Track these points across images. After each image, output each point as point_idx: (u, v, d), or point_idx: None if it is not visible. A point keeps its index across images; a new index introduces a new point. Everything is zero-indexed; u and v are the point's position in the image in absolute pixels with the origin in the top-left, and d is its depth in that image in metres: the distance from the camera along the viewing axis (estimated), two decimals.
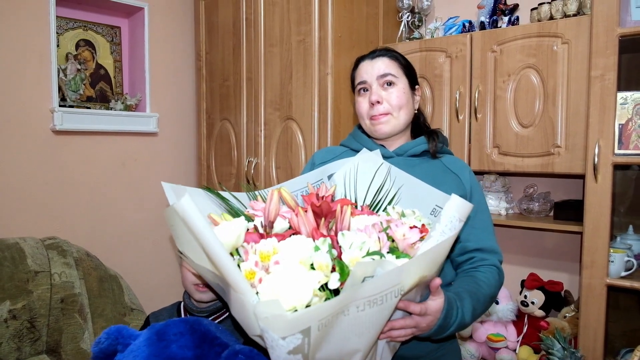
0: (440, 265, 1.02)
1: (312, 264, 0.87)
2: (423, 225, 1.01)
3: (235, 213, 1.16)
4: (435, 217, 1.13)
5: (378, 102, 1.33)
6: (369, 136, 1.42)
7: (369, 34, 2.27)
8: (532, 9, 2.02)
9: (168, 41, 2.67)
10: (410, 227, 0.97)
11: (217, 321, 1.27)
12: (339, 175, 1.26)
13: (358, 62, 1.42)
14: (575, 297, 2.05)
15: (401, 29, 2.33)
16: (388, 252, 0.94)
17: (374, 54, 1.39)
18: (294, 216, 1.00)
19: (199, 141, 2.66)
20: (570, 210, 1.93)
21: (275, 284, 0.82)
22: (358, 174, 1.26)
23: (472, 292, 1.13)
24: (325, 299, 0.85)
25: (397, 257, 0.93)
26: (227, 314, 1.30)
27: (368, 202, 1.20)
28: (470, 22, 2.17)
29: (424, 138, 1.38)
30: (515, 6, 2.13)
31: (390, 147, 1.38)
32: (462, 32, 2.18)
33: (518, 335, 2.10)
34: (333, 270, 0.87)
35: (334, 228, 1.03)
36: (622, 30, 1.63)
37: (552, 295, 2.05)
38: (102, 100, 2.57)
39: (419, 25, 2.35)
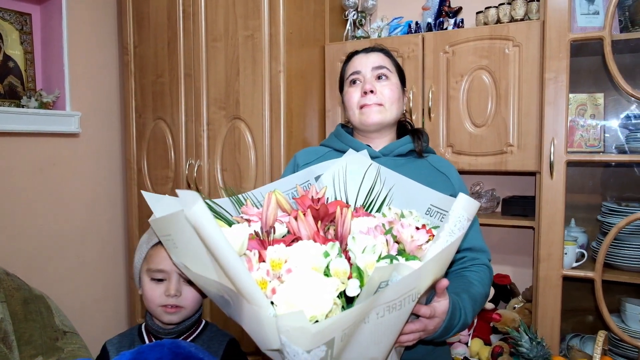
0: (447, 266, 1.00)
1: (325, 271, 0.80)
2: (423, 225, 0.98)
3: (222, 219, 1.06)
4: (432, 217, 1.11)
5: (372, 91, 1.29)
6: (353, 136, 1.38)
7: (317, 32, 2.21)
8: (477, 12, 2.08)
9: (89, 32, 2.41)
10: (417, 228, 0.93)
11: (188, 340, 1.16)
12: (327, 177, 1.19)
13: (351, 56, 1.38)
14: (522, 289, 2.15)
15: (347, 27, 2.31)
16: (397, 255, 0.90)
17: (368, 49, 1.36)
18: (293, 220, 0.92)
19: (128, 142, 2.43)
20: (518, 206, 2.02)
21: (291, 293, 0.75)
22: (347, 175, 1.20)
23: (470, 292, 1.13)
24: (342, 308, 0.79)
25: (406, 260, 0.89)
26: (197, 332, 1.19)
27: (359, 203, 1.15)
28: (417, 23, 2.20)
29: (409, 137, 1.36)
30: (459, 9, 2.19)
31: (376, 147, 1.34)
32: (408, 33, 2.20)
33: (469, 330, 2.16)
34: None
35: (330, 231, 0.97)
36: (574, 35, 1.72)
37: (500, 288, 2.13)
38: (11, 96, 2.26)
39: (362, 24, 2.34)
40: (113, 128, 2.53)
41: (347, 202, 1.16)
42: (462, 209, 0.88)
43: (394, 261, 0.82)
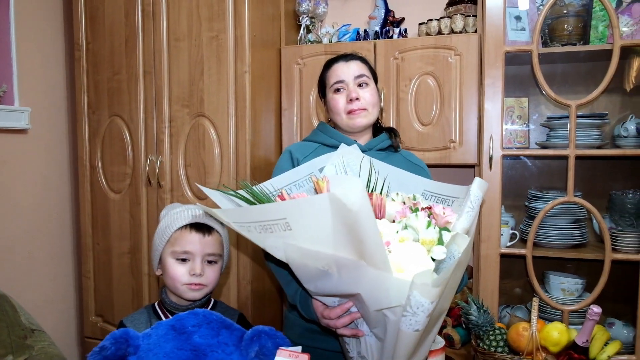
0: None
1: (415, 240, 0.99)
2: (429, 207, 1.19)
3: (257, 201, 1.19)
4: (427, 200, 1.32)
5: (357, 98, 1.47)
6: (339, 131, 1.55)
7: (274, 35, 2.35)
8: (420, 23, 2.33)
9: (37, 27, 2.36)
10: (444, 207, 1.14)
11: None
12: (330, 169, 1.36)
13: (330, 64, 1.55)
14: None
15: (301, 32, 2.46)
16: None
17: (347, 58, 1.53)
18: None
19: (80, 139, 2.40)
20: None
21: (399, 260, 0.93)
22: (346, 166, 1.38)
23: None
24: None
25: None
26: (209, 308, 1.31)
27: None
28: (365, 31, 2.40)
29: (386, 134, 1.57)
30: (402, 19, 2.43)
31: (360, 142, 1.53)
32: (356, 39, 2.41)
33: None
34: None
35: None
36: (508, 47, 2.02)
37: None
38: None
39: (311, 30, 2.51)
40: (62, 124, 2.48)
41: None
42: (478, 189, 1.09)
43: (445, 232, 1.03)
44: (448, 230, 1.09)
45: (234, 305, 2.14)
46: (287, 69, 2.38)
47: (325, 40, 2.45)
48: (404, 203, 1.20)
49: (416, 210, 1.12)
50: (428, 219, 1.03)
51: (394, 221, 1.06)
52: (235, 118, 2.12)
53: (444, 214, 1.10)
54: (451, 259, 1.01)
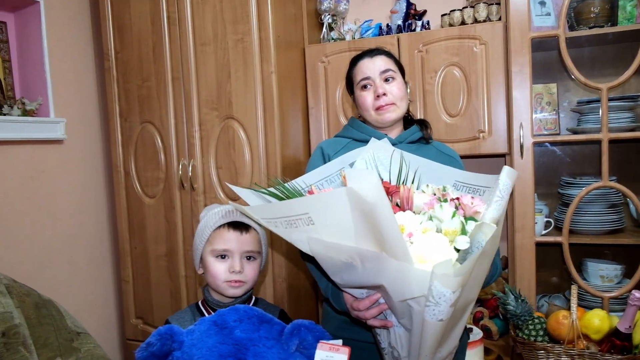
0: None
1: (437, 230, 0.99)
2: (457, 198, 1.19)
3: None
4: (458, 190, 1.32)
5: (384, 94, 1.48)
6: (369, 126, 1.56)
7: (297, 35, 2.37)
8: (442, 15, 2.32)
9: (67, 39, 2.43)
10: (472, 197, 1.14)
11: None
12: (361, 163, 1.37)
13: (356, 61, 1.56)
14: None
15: (323, 30, 2.48)
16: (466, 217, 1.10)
17: (372, 53, 1.54)
18: None
19: (114, 146, 2.47)
20: None
21: (421, 251, 0.93)
22: (376, 160, 1.39)
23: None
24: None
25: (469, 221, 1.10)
26: (251, 304, 1.34)
27: (393, 184, 1.33)
28: (387, 25, 2.41)
29: (417, 127, 1.57)
30: (424, 12, 2.42)
31: (390, 136, 1.53)
32: (379, 34, 2.41)
33: None
34: None
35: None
36: (534, 34, 2.00)
37: None
38: None
39: (334, 27, 2.53)
40: (96, 133, 2.55)
41: None
42: (507, 178, 1.08)
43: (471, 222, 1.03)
44: (475, 220, 1.09)
45: (271, 302, 2.17)
46: (311, 68, 2.40)
47: (348, 37, 2.46)
48: (434, 195, 1.21)
49: (445, 201, 1.12)
50: (454, 209, 1.03)
51: (421, 212, 1.07)
52: (263, 119, 2.15)
53: (472, 204, 1.10)
54: (478, 249, 1.01)
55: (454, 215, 1.02)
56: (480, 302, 2.36)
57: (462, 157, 2.39)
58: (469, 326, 2.14)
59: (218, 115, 2.22)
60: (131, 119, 2.42)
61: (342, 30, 2.50)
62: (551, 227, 2.12)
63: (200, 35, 2.23)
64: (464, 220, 1.02)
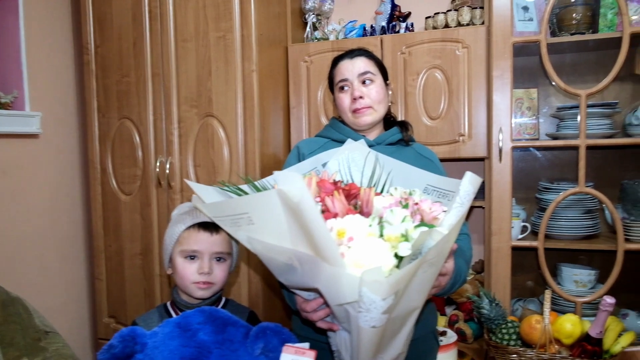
0: None
1: (380, 236, 0.98)
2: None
3: None
4: (429, 195, 1.31)
5: (361, 97, 1.47)
6: (348, 127, 1.55)
7: (280, 33, 2.35)
8: (426, 17, 2.32)
9: (45, 32, 2.38)
10: (432, 203, 1.13)
11: None
12: (333, 163, 1.36)
13: (336, 61, 1.55)
14: (471, 263, 2.43)
15: (307, 29, 2.47)
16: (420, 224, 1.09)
17: (352, 54, 1.53)
18: (328, 200, 1.08)
19: (91, 142, 2.43)
20: None
21: (358, 256, 0.92)
22: (350, 161, 1.37)
23: (463, 256, 1.36)
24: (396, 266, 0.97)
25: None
26: (220, 306, 1.32)
27: (365, 186, 1.32)
28: (371, 26, 2.40)
29: (397, 128, 1.56)
30: (409, 14, 2.42)
31: (369, 137, 1.53)
32: (363, 35, 2.41)
33: None
34: None
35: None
36: (515, 38, 2.00)
37: None
38: None
39: (318, 27, 2.51)
40: (73, 128, 2.51)
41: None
42: (469, 184, 1.07)
43: (423, 228, 1.00)
44: (433, 227, 1.08)
45: (245, 302, 2.16)
46: (294, 67, 2.39)
47: (331, 37, 2.45)
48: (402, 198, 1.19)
49: (406, 206, 1.11)
50: (406, 214, 1.02)
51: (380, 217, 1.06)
52: (243, 117, 2.13)
53: (430, 209, 1.09)
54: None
55: (403, 220, 1.00)
56: (456, 305, 2.37)
57: (442, 160, 2.38)
58: (442, 329, 2.14)
59: (197, 112, 2.20)
60: (109, 114, 2.38)
61: (326, 30, 2.49)
62: (528, 232, 2.13)
63: (182, 31, 2.20)
64: (411, 227, 1.00)
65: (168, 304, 1.32)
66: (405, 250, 0.95)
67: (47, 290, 2.39)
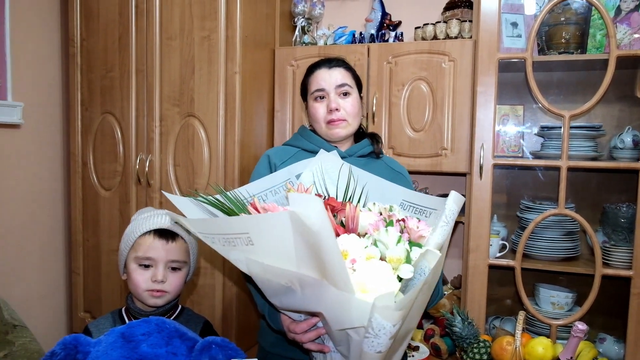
0: None
1: (380, 258, 0.96)
2: (403, 218, 1.15)
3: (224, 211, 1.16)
4: (405, 210, 1.29)
5: (337, 109, 1.44)
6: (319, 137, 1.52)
7: (268, 35, 2.33)
8: (416, 28, 2.29)
9: (32, 23, 2.36)
10: (418, 221, 1.10)
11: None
12: (307, 175, 1.33)
13: (313, 69, 1.51)
14: (450, 278, 2.40)
15: (296, 33, 2.44)
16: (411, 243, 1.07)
17: (330, 63, 1.50)
18: None
19: (73, 136, 2.41)
20: None
21: (363, 279, 0.90)
22: (324, 173, 1.35)
23: None
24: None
25: (412, 247, 1.07)
26: (175, 315, 1.30)
27: (339, 200, 1.30)
28: (360, 33, 2.37)
29: (368, 140, 1.53)
30: (399, 23, 2.40)
31: (340, 148, 1.50)
32: (352, 42, 2.38)
33: None
34: None
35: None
36: (501, 55, 1.97)
37: None
38: None
39: (308, 31, 2.49)
40: (56, 120, 2.49)
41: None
42: (453, 203, 1.05)
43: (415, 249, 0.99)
44: (420, 245, 1.06)
45: (219, 306, 2.13)
46: (280, 71, 2.36)
47: (320, 42, 2.42)
48: (381, 214, 1.17)
49: (390, 223, 1.09)
50: (399, 234, 1.00)
51: (366, 234, 1.04)
52: (224, 119, 2.10)
53: (417, 227, 1.07)
54: (421, 276, 0.98)
55: (399, 241, 0.98)
56: (433, 319, 2.34)
57: (423, 173, 2.39)
58: (415, 344, 2.12)
59: (179, 111, 2.17)
60: (92, 108, 2.36)
61: (315, 35, 2.46)
62: (506, 250, 2.10)
63: (167, 29, 2.17)
64: (408, 247, 0.99)
65: (123, 310, 1.30)
66: (407, 272, 0.94)
67: (25, 282, 2.37)
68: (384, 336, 0.88)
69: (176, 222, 1.23)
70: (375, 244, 0.99)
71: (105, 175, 2.36)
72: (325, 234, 0.84)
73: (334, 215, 1.14)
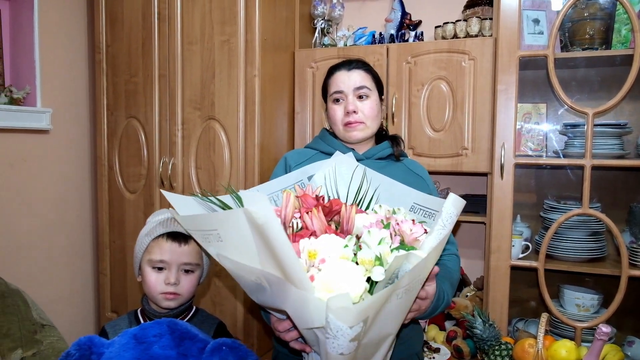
0: None
1: (353, 259, 0.94)
2: (412, 220, 1.14)
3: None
4: (415, 214, 1.27)
5: (354, 111, 1.44)
6: (338, 140, 1.53)
7: (287, 38, 2.34)
8: (436, 27, 2.28)
9: (60, 29, 2.44)
10: (413, 222, 1.09)
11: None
12: (319, 177, 1.33)
13: (333, 71, 1.52)
14: (473, 279, 2.37)
15: (316, 35, 2.45)
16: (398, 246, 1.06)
17: (350, 65, 1.49)
18: (307, 216, 1.06)
19: (99, 140, 2.47)
20: (471, 204, 2.23)
21: (328, 279, 0.88)
22: (337, 175, 1.35)
23: (448, 278, 1.31)
24: (368, 291, 0.94)
25: (406, 250, 1.05)
26: (190, 316, 1.32)
27: (349, 202, 1.29)
28: (380, 34, 2.37)
29: (388, 143, 1.53)
30: (419, 22, 2.38)
31: (358, 150, 1.50)
32: (372, 43, 2.37)
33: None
34: None
35: (331, 225, 1.11)
36: (522, 52, 1.94)
37: None
38: None
39: (327, 32, 2.49)
40: (83, 125, 2.56)
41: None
42: (451, 206, 1.04)
43: (401, 251, 0.97)
44: (414, 249, 1.05)
45: (241, 308, 2.16)
46: (300, 73, 2.38)
47: (340, 44, 2.43)
48: (386, 216, 1.16)
49: (387, 225, 1.08)
50: (386, 235, 0.99)
51: (357, 236, 1.03)
52: (244, 122, 2.13)
53: (411, 230, 1.06)
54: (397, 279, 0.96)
55: (380, 243, 0.97)
56: (455, 321, 2.32)
57: (443, 173, 2.37)
58: (436, 346, 2.10)
59: (200, 115, 2.21)
60: (117, 113, 2.42)
61: (335, 36, 2.46)
62: (529, 251, 2.07)
63: (188, 34, 2.21)
64: (387, 250, 0.97)
65: (139, 311, 1.32)
66: (378, 275, 0.91)
67: (53, 282, 2.44)
68: (343, 338, 0.86)
69: (175, 218, 1.25)
70: (358, 245, 0.98)
71: (130, 178, 2.41)
72: (271, 227, 0.84)
73: (338, 219, 1.14)
